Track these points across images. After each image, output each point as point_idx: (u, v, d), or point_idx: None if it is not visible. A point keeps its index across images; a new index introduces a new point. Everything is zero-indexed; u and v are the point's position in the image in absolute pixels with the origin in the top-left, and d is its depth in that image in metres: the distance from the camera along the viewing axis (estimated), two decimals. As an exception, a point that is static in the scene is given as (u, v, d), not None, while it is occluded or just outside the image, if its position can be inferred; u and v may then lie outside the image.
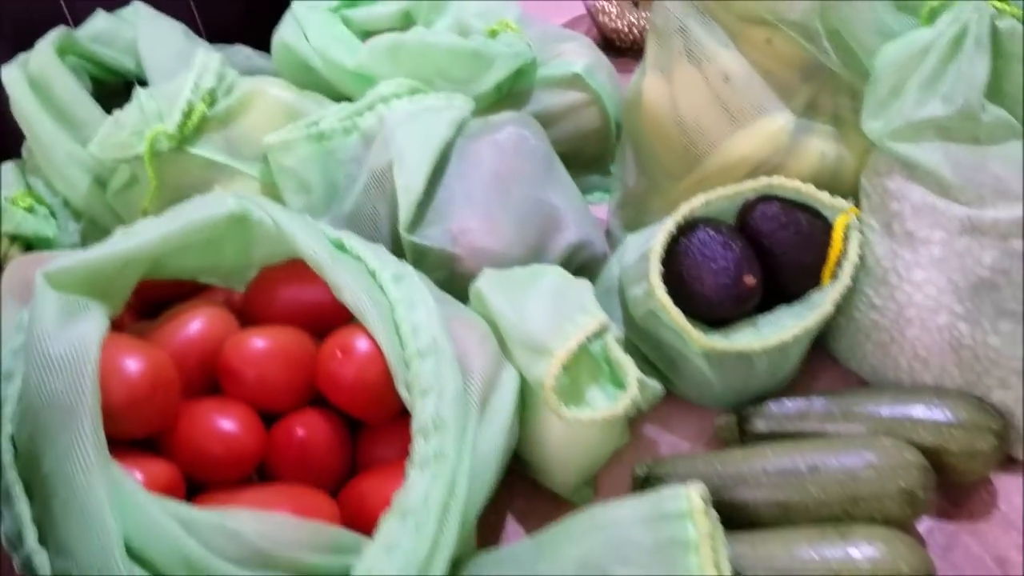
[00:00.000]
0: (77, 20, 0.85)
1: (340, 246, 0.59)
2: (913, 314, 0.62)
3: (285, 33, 0.80)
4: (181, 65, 0.72)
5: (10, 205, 0.70)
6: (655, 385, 0.61)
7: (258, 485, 0.54)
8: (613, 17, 1.08)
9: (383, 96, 0.70)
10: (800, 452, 0.58)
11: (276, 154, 0.68)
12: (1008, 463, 0.63)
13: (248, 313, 0.61)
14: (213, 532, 0.46)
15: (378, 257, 0.59)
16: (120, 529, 0.44)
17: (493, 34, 0.77)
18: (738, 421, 0.64)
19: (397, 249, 0.66)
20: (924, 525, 0.60)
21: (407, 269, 0.60)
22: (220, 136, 0.69)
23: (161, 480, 0.50)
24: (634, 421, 0.67)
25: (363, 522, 0.51)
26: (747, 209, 0.65)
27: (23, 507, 0.48)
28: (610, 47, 1.10)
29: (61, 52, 0.77)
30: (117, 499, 0.45)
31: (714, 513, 0.52)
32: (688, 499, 0.51)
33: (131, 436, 0.51)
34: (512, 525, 0.63)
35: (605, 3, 1.08)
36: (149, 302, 0.63)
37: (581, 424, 0.57)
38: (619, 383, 0.59)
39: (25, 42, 0.78)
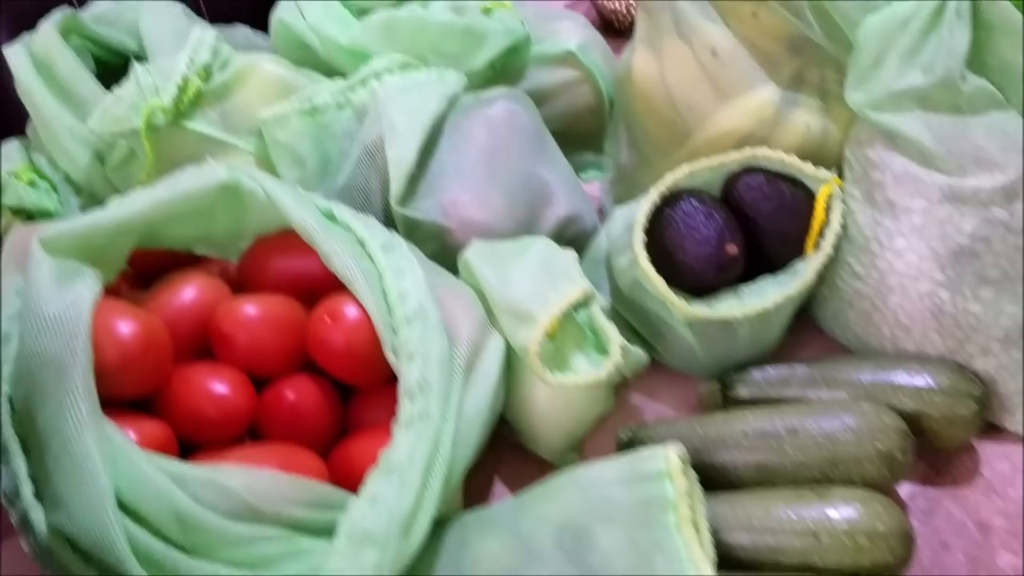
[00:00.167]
0: (82, 1, 0.87)
1: (330, 216, 0.61)
2: (895, 282, 0.62)
3: (283, 12, 0.81)
4: (181, 44, 0.73)
5: (12, 179, 0.72)
6: (639, 352, 0.62)
7: (248, 444, 0.56)
8: (612, -2, 1.09)
9: (375, 71, 0.71)
10: (780, 415, 0.59)
11: (270, 128, 0.69)
12: (991, 430, 0.63)
13: (241, 283, 0.62)
14: (203, 487, 0.47)
15: (367, 226, 0.60)
16: (112, 483, 0.46)
17: (487, 11, 0.78)
18: (722, 388, 0.66)
19: (389, 223, 0.67)
20: (906, 490, 0.61)
21: (396, 238, 0.61)
22: (215, 111, 0.71)
23: (154, 439, 0.52)
24: (620, 390, 0.69)
25: (351, 482, 0.52)
26: (731, 180, 0.66)
27: (19, 463, 0.50)
28: (609, 29, 1.11)
29: (65, 32, 0.79)
30: (109, 454, 0.47)
31: (693, 473, 0.53)
32: (666, 459, 0.52)
33: (124, 396, 0.53)
34: (500, 488, 0.64)
35: (604, -16, 1.09)
36: (145, 273, 0.65)
37: (565, 389, 0.59)
38: (604, 351, 0.61)
39: (30, 23, 0.80)
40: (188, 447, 0.55)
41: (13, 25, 0.84)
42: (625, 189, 0.80)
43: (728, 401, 0.65)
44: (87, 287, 0.51)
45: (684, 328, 0.64)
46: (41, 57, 0.76)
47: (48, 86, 0.75)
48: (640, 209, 0.63)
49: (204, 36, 0.71)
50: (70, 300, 0.49)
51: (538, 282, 0.60)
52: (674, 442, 0.53)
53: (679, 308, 0.61)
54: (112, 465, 0.46)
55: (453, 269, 0.65)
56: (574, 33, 0.83)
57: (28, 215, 0.73)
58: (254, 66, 0.72)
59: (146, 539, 0.45)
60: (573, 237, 0.73)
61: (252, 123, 0.71)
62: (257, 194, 0.59)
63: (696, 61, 0.70)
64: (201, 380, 0.55)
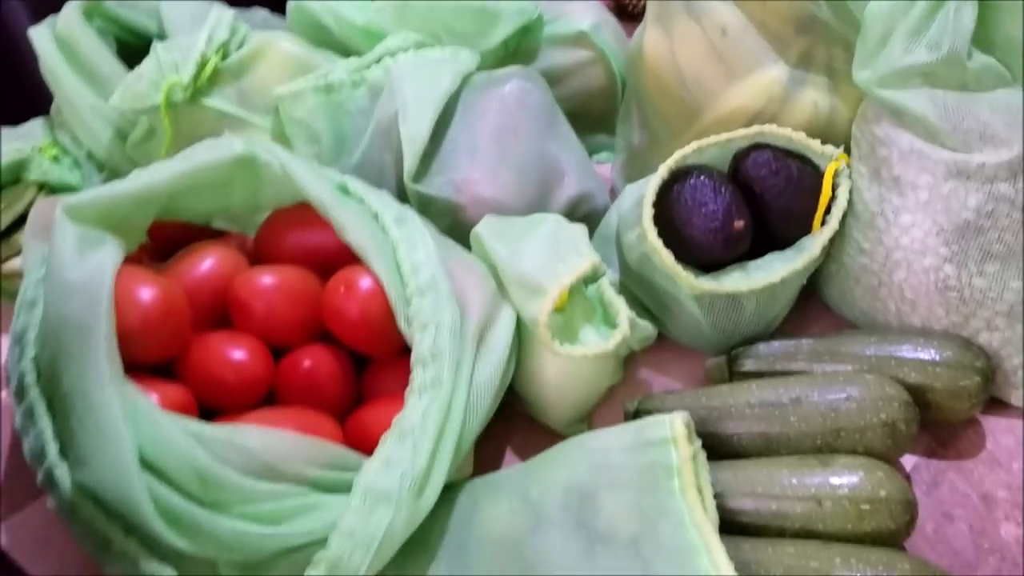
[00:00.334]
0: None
1: (344, 190, 0.62)
2: (900, 257, 0.63)
3: (300, -8, 0.83)
4: (200, 25, 0.75)
5: (37, 154, 0.74)
6: (646, 326, 0.63)
7: (266, 408, 0.57)
8: (626, -18, 1.10)
9: (390, 50, 0.72)
10: (784, 386, 0.60)
11: (286, 105, 0.71)
12: (996, 404, 0.64)
13: (257, 255, 0.64)
14: (223, 446, 0.49)
15: (381, 200, 0.62)
16: (135, 442, 0.48)
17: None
18: (728, 362, 0.67)
19: (402, 199, 0.68)
20: (910, 462, 0.62)
21: (408, 212, 0.62)
22: (233, 88, 0.73)
23: (175, 402, 0.53)
24: (628, 364, 0.70)
25: (364, 448, 0.54)
26: (739, 157, 0.67)
27: (45, 423, 0.52)
28: (622, 12, 1.11)
29: (87, 14, 0.81)
30: (132, 414, 0.48)
31: (697, 440, 0.54)
32: (671, 426, 0.53)
33: (146, 361, 0.55)
34: (510, 458, 0.65)
35: (618, -32, 1.10)
36: (164, 246, 0.66)
37: (574, 360, 0.60)
38: (612, 324, 0.62)
39: (54, 6, 0.82)
40: (207, 412, 0.56)
41: (37, 8, 0.86)
42: (636, 170, 0.81)
43: (734, 375, 0.66)
44: (109, 254, 0.52)
45: (691, 302, 0.65)
46: (65, 38, 0.78)
47: (71, 66, 0.77)
48: (649, 184, 0.64)
49: (222, 15, 0.73)
50: (93, 266, 0.51)
51: (548, 255, 0.61)
52: (680, 411, 0.54)
53: (686, 281, 0.62)
54: (135, 425, 0.48)
55: (465, 245, 0.66)
56: (587, 14, 0.84)
57: (52, 189, 0.75)
58: (271, 44, 0.74)
59: (168, 495, 0.47)
60: (584, 216, 0.74)
61: (269, 100, 0.73)
62: (273, 167, 0.60)
63: (706, 40, 0.70)
64: (220, 347, 0.57)
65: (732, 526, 0.55)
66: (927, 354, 0.61)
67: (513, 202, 0.70)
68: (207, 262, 0.60)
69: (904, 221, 0.63)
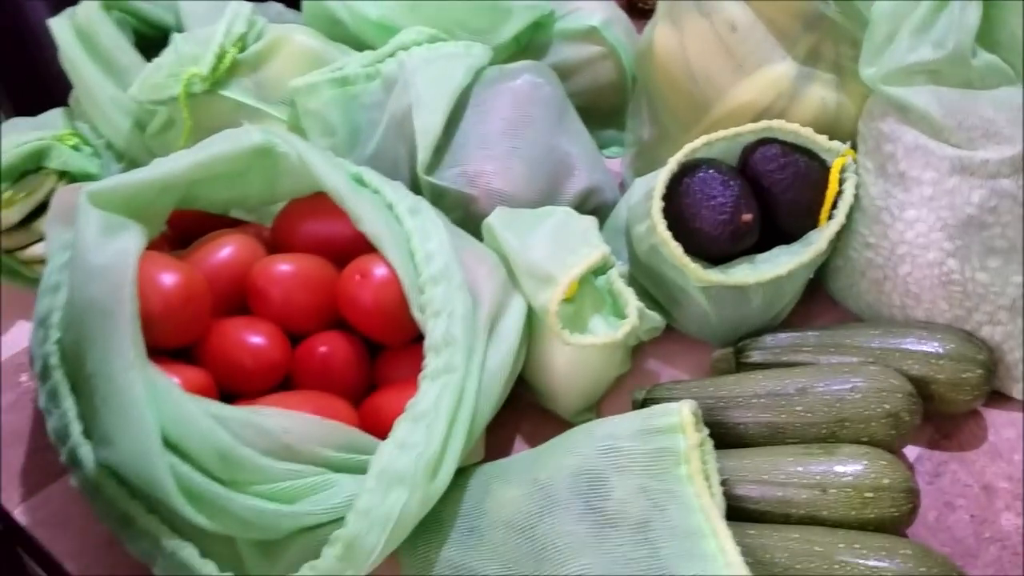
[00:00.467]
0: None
1: (359, 180, 0.63)
2: (905, 251, 0.64)
3: (314, -14, 0.84)
4: (217, 18, 0.76)
5: (57, 143, 0.75)
6: (655, 316, 0.64)
7: (284, 392, 0.58)
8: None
9: (404, 43, 0.74)
10: (790, 376, 0.61)
11: (302, 97, 0.72)
12: (998, 398, 0.65)
13: (274, 244, 0.65)
14: (243, 427, 0.50)
15: (395, 191, 0.63)
16: (158, 422, 0.49)
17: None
18: (735, 353, 0.68)
19: (416, 191, 0.69)
20: (913, 453, 0.63)
21: (422, 203, 0.63)
22: (250, 80, 0.74)
23: (196, 385, 0.54)
24: (636, 354, 0.71)
25: (378, 433, 0.55)
26: (748, 151, 0.68)
27: (69, 404, 0.53)
28: (633, 9, 1.12)
29: (106, 6, 0.82)
30: (154, 395, 0.49)
31: (704, 428, 0.55)
32: (679, 413, 0.54)
33: (167, 345, 0.56)
34: (519, 445, 0.66)
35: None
36: (183, 236, 0.68)
37: (583, 349, 0.61)
38: (621, 315, 0.63)
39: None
40: (226, 396, 0.57)
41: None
42: (646, 164, 0.82)
43: (741, 366, 0.67)
44: (133, 239, 0.54)
45: (699, 294, 0.66)
46: (84, 29, 0.79)
47: (91, 56, 0.78)
48: (659, 177, 0.65)
49: (240, 8, 0.74)
50: (117, 250, 0.52)
51: (559, 246, 0.62)
52: (687, 400, 0.55)
53: (695, 273, 0.64)
54: (157, 406, 0.49)
55: (477, 236, 0.67)
56: (597, 9, 0.85)
57: (72, 178, 0.76)
58: (287, 37, 0.75)
59: (189, 474, 0.48)
60: (593, 209, 0.75)
61: (284, 92, 0.74)
62: (290, 157, 0.61)
63: (716, 36, 0.72)
64: (239, 332, 0.58)
65: (738, 512, 0.56)
66: (930, 347, 0.62)
67: (524, 194, 0.71)
68: (226, 249, 0.62)
69: (909, 216, 0.64)
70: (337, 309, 0.61)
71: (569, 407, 0.66)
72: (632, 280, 0.71)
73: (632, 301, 0.62)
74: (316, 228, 0.65)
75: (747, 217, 0.64)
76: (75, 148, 0.76)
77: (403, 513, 0.50)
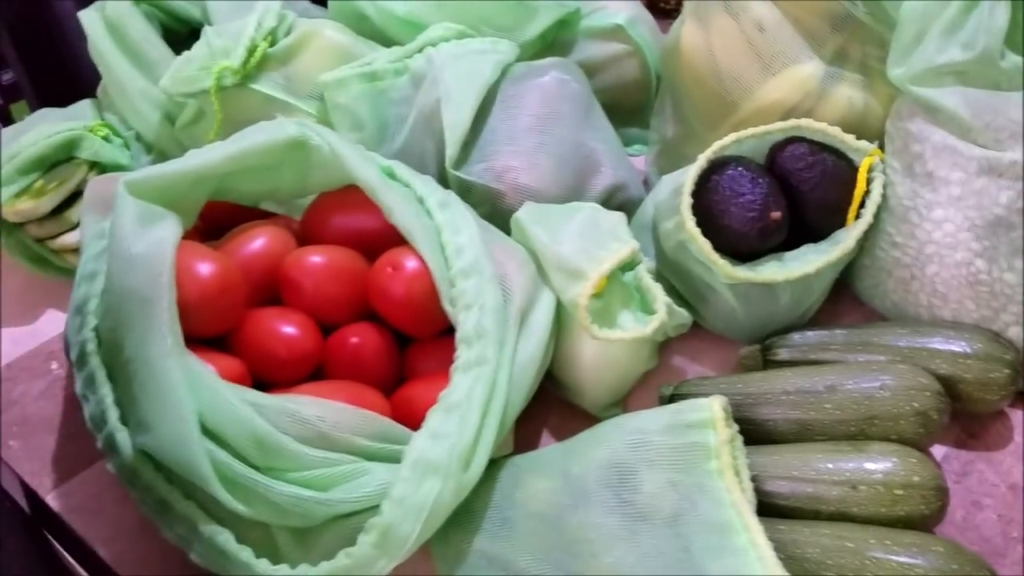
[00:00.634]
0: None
1: (390, 174, 0.64)
2: (932, 251, 0.65)
3: (341, -18, 0.84)
4: (243, 13, 0.77)
5: (88, 134, 0.76)
6: (683, 313, 0.65)
7: (316, 382, 0.59)
8: (659, -22, 1.11)
9: (432, 39, 0.74)
10: (820, 374, 0.61)
11: (331, 91, 0.73)
12: (1026, 398, 0.65)
13: (304, 236, 0.66)
14: (279, 415, 0.51)
15: (425, 184, 0.63)
16: (195, 409, 0.49)
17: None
18: (762, 351, 0.68)
19: (443, 186, 0.70)
20: (940, 452, 0.63)
21: (452, 196, 0.64)
22: (279, 74, 0.74)
23: (231, 373, 0.55)
24: (663, 351, 0.71)
25: (409, 423, 0.55)
26: (776, 149, 0.68)
27: (106, 390, 0.53)
28: (655, 8, 1.12)
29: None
30: (192, 383, 0.50)
31: (734, 424, 0.55)
32: (710, 408, 0.54)
33: (202, 334, 0.56)
34: (547, 439, 0.67)
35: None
36: (215, 228, 0.68)
37: (611, 344, 0.61)
38: (649, 310, 0.63)
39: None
40: (259, 385, 0.58)
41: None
42: (670, 161, 0.82)
43: (768, 364, 0.67)
44: (170, 228, 0.54)
45: (727, 291, 0.66)
46: (114, 21, 0.80)
47: (120, 49, 0.79)
48: (688, 174, 0.66)
49: (270, 3, 0.75)
50: (155, 239, 0.53)
51: (588, 240, 0.63)
52: (717, 395, 0.56)
53: (723, 270, 0.64)
54: (195, 393, 0.49)
55: (505, 231, 0.68)
56: (622, 7, 0.86)
57: (103, 168, 0.77)
58: (317, 32, 0.76)
59: (227, 461, 0.49)
60: (619, 205, 0.76)
61: (314, 87, 0.74)
62: (323, 150, 0.61)
63: (743, 35, 0.72)
64: (272, 322, 0.59)
65: (768, 508, 0.56)
66: (958, 346, 0.62)
67: (550, 190, 0.71)
68: (258, 241, 0.62)
69: (936, 216, 0.64)
70: (368, 301, 0.62)
71: (596, 402, 0.66)
72: (659, 277, 0.72)
73: (661, 297, 0.62)
74: (346, 221, 0.65)
75: (776, 214, 0.64)
76: (105, 139, 0.77)
77: (437, 502, 0.50)
